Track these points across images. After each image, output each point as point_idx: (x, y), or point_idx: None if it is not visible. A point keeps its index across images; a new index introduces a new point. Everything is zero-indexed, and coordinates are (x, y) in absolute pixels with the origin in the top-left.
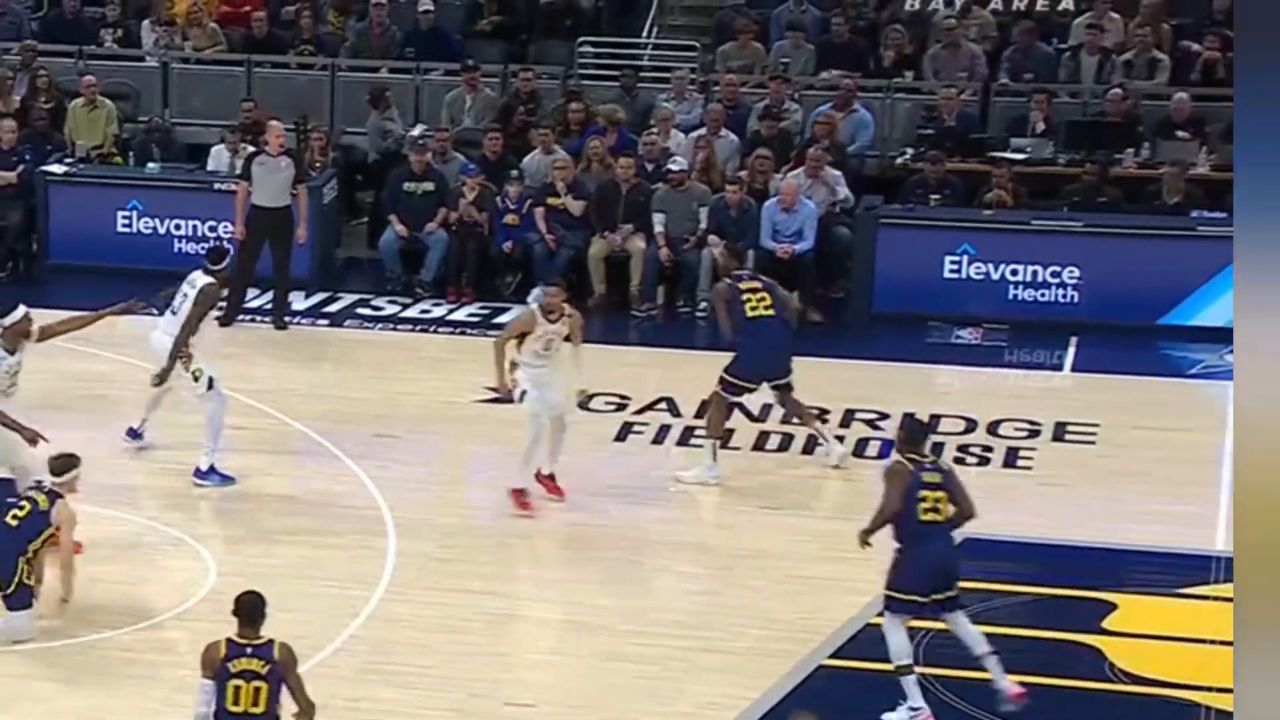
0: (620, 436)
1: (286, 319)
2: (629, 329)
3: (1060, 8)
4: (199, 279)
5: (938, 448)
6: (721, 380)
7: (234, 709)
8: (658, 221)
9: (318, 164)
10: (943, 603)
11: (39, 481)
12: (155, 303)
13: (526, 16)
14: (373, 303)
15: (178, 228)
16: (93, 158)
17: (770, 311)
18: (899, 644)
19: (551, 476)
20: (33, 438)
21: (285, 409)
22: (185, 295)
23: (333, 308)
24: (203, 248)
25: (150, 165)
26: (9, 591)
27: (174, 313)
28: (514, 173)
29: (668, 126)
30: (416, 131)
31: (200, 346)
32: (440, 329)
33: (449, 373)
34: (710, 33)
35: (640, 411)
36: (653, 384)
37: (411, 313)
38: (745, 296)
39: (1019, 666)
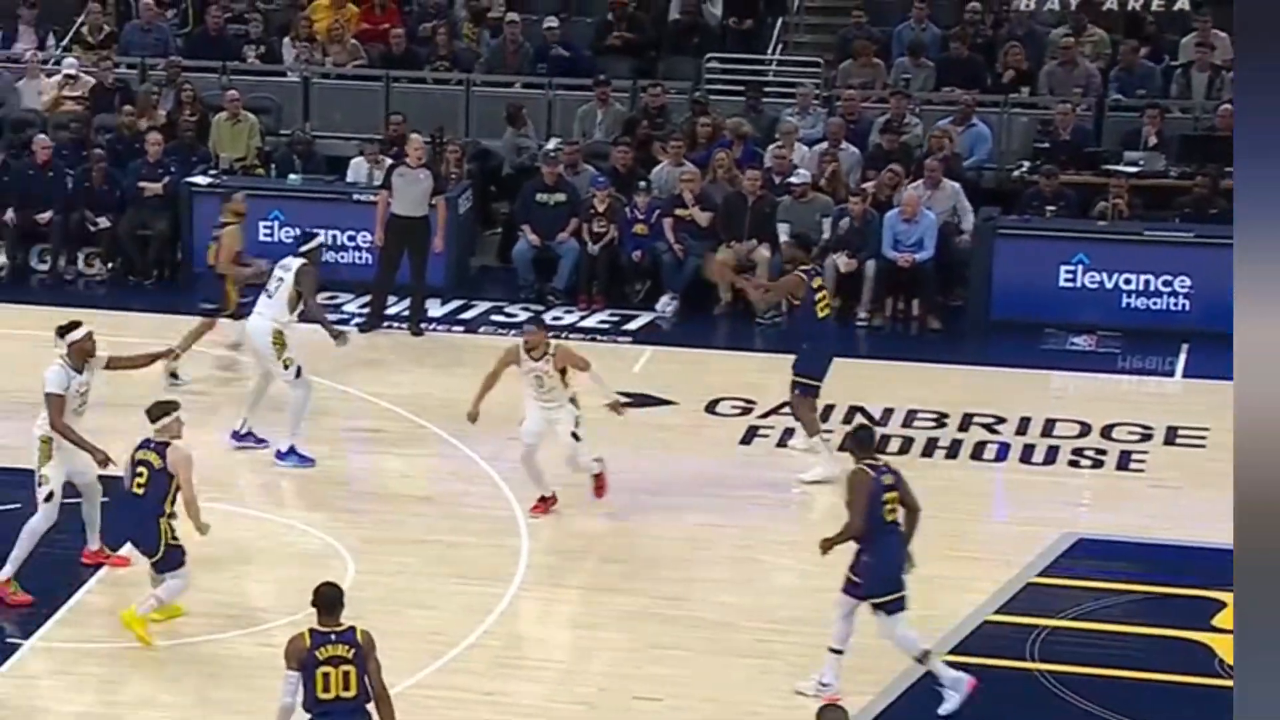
0: (745, 440)
1: (423, 325)
2: (754, 335)
3: (1176, 7)
4: (293, 262)
5: (1053, 450)
6: (796, 384)
7: (325, 696)
8: (782, 231)
9: (453, 176)
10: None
11: (144, 440)
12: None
13: (655, 34)
14: (506, 310)
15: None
16: (236, 169)
17: (830, 311)
18: (908, 638)
19: (547, 499)
20: (104, 460)
21: (422, 412)
22: (281, 279)
23: (468, 315)
24: (342, 258)
25: (291, 177)
26: (158, 556)
27: (269, 295)
28: (642, 184)
29: (792, 140)
30: (551, 145)
31: (293, 335)
32: (571, 335)
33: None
34: (833, 49)
35: (765, 415)
36: (777, 389)
37: (544, 319)
38: (818, 296)
39: (1132, 662)
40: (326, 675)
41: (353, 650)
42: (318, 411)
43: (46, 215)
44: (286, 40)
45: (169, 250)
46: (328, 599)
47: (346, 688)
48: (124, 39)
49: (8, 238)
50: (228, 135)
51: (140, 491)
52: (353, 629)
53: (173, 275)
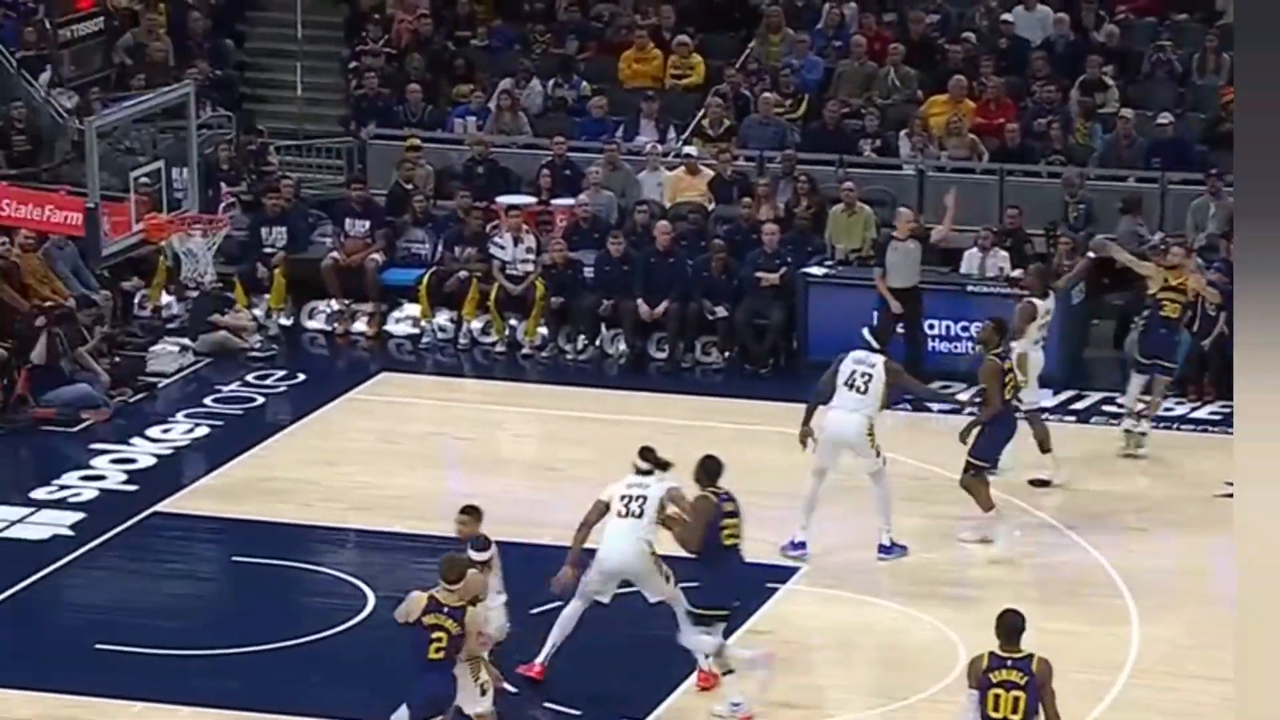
0: None
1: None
2: None
3: None
4: (874, 359)
5: None
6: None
7: (994, 715)
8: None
9: (1064, 269)
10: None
11: (433, 602)
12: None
13: None
14: (1117, 400)
15: (931, 327)
16: (851, 260)
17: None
18: (711, 643)
19: None
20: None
21: (1026, 499)
22: (869, 376)
23: (1079, 405)
24: (956, 348)
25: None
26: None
27: (859, 391)
28: None
29: None
30: (1157, 239)
31: (880, 424)
32: (1182, 426)
33: (1188, 468)
34: None
35: None
36: None
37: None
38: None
39: None
40: (997, 697)
41: (1025, 678)
42: (914, 498)
43: (662, 307)
44: (903, 134)
45: (784, 339)
46: (1009, 626)
47: (1015, 710)
48: (743, 132)
49: (626, 325)
50: (843, 226)
51: (439, 657)
52: (1030, 657)
53: (788, 364)
